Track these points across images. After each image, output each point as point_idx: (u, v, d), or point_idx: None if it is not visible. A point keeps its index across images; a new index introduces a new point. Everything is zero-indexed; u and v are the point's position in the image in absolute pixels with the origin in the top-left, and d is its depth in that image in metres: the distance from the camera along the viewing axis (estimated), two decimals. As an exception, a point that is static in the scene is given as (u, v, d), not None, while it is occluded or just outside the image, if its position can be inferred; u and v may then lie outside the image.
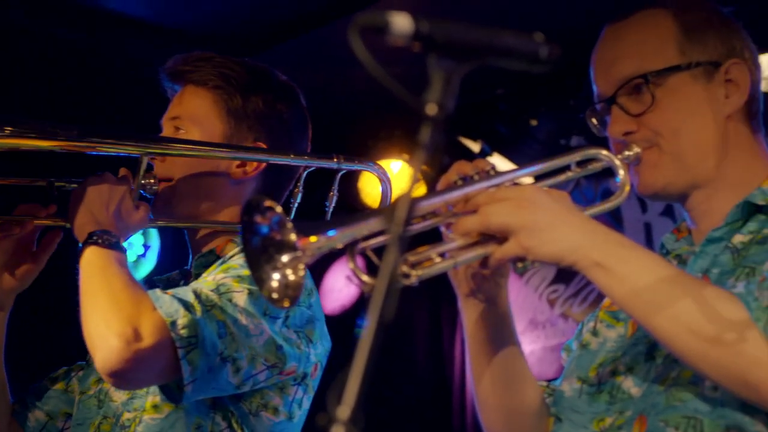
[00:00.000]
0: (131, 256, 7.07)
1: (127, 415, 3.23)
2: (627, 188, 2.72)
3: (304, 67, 6.65)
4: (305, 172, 3.48)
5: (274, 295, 2.36)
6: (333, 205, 3.47)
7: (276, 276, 2.35)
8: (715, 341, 2.30)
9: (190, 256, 3.49)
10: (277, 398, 3.20)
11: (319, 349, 3.27)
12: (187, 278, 3.45)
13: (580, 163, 2.73)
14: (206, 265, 3.36)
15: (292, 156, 3.40)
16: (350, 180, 6.91)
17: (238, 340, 3.01)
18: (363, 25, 1.73)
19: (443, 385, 7.53)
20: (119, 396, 3.30)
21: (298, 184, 3.47)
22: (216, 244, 3.42)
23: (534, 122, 6.95)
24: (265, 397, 3.18)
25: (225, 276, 3.13)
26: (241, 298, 3.07)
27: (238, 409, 3.17)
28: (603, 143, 2.82)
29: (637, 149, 2.72)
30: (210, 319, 2.98)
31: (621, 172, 2.71)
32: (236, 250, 3.33)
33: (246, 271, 3.11)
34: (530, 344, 7.03)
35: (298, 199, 3.43)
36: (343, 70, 5.79)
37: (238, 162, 3.39)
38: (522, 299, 7.15)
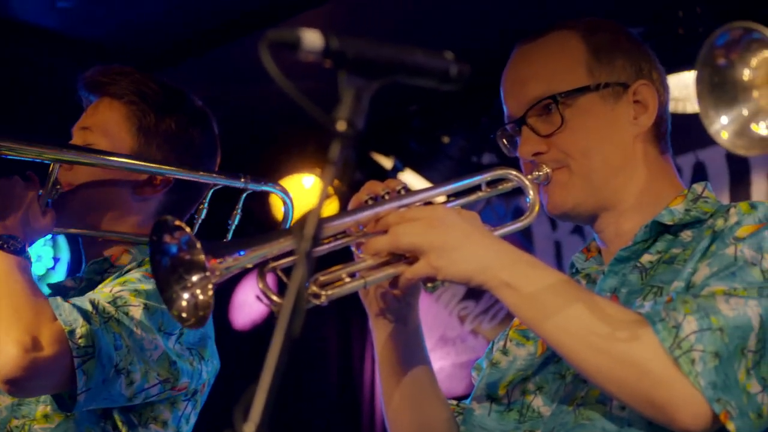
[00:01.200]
0: (40, 269, 7.00)
1: (15, 422, 3.20)
2: (537, 208, 2.74)
3: (218, 81, 6.64)
4: (211, 191, 3.48)
5: (184, 315, 2.35)
6: (236, 223, 3.49)
7: (185, 296, 2.35)
8: (622, 362, 2.33)
9: (84, 263, 3.48)
10: (167, 412, 3.21)
11: (210, 367, 3.29)
12: (79, 285, 3.42)
13: (491, 183, 2.75)
14: (99, 272, 3.37)
15: (200, 173, 3.40)
16: (261, 196, 6.89)
17: (133, 353, 3.03)
18: (274, 41, 1.73)
19: (353, 403, 7.53)
20: (3, 400, 3.26)
21: (204, 201, 3.48)
22: (111, 252, 3.41)
23: (446, 139, 6.97)
24: (156, 411, 3.19)
25: (122, 289, 3.13)
26: (137, 312, 3.08)
27: (128, 421, 3.17)
28: (515, 161, 2.83)
29: (546, 169, 2.73)
30: (107, 330, 3.00)
31: (531, 193, 2.73)
32: (134, 264, 3.33)
33: (143, 286, 3.14)
34: (440, 361, 7.05)
35: (203, 216, 3.43)
36: (257, 85, 5.78)
37: (145, 176, 3.38)
38: (432, 316, 7.17)
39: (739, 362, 2.32)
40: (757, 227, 2.50)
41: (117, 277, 3.27)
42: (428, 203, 2.57)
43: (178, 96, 3.52)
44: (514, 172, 2.74)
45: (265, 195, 7.04)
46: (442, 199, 2.70)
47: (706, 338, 2.30)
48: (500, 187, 2.75)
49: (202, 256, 2.29)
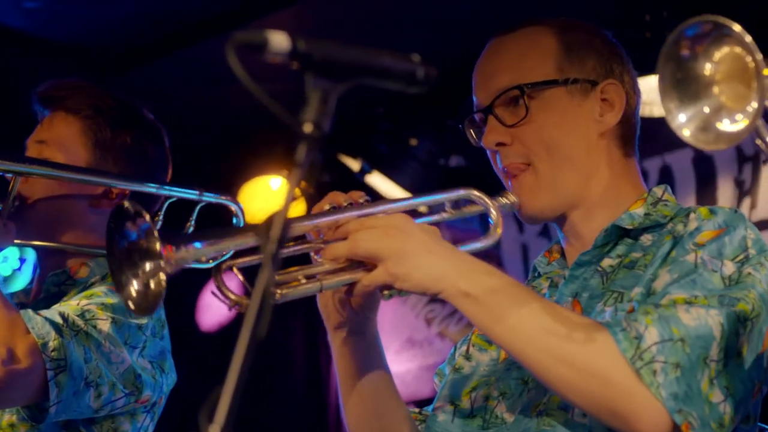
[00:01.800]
0: (6, 270, 6.96)
1: None
2: (499, 231, 2.72)
3: (185, 82, 6.63)
4: (166, 203, 3.51)
5: (131, 303, 2.34)
6: None
7: (137, 283, 2.34)
8: (583, 372, 2.34)
9: (36, 274, 3.50)
10: (127, 423, 3.25)
11: (169, 380, 3.34)
12: (34, 297, 3.45)
13: (456, 205, 2.75)
14: (57, 284, 3.39)
15: (157, 185, 3.44)
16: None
17: (102, 366, 3.07)
18: (241, 43, 1.73)
19: (319, 407, 7.52)
20: None
21: (159, 213, 3.50)
22: (69, 265, 3.43)
23: (414, 142, 6.98)
24: (116, 422, 3.22)
25: (89, 303, 3.17)
26: (105, 325, 3.12)
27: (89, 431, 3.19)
28: (481, 155, 2.84)
29: (513, 198, 2.74)
30: (78, 343, 3.03)
31: (494, 213, 2.72)
32: (97, 277, 3.37)
33: (110, 300, 3.19)
34: (407, 363, 7.05)
35: (158, 227, 3.43)
36: (224, 87, 5.76)
37: (101, 190, 3.41)
38: (399, 318, 7.17)
39: (701, 372, 2.33)
40: (717, 233, 2.51)
41: (82, 290, 3.31)
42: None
43: (133, 110, 3.56)
44: (477, 193, 2.73)
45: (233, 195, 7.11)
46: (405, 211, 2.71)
47: (667, 349, 2.32)
48: (465, 210, 2.75)
49: (158, 245, 2.29)
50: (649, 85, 5.66)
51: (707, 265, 2.45)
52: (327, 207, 2.56)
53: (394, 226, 2.45)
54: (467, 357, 2.84)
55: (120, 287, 2.35)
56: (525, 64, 2.78)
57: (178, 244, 2.30)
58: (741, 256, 2.48)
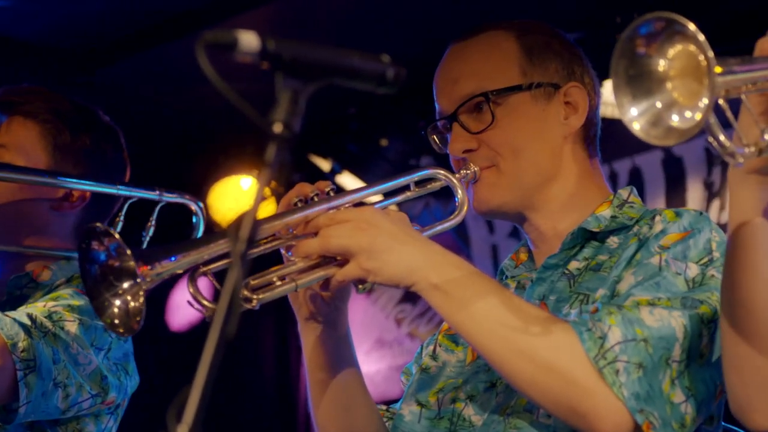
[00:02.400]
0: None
1: None
2: (465, 207, 2.75)
3: (155, 81, 6.61)
4: (127, 204, 3.51)
5: (116, 322, 2.34)
6: (150, 235, 3.51)
7: (117, 303, 2.34)
8: (547, 370, 2.35)
9: None
10: (92, 425, 3.25)
11: (133, 382, 3.34)
12: None
13: (420, 183, 2.76)
14: (19, 287, 3.39)
15: (118, 187, 3.43)
16: (199, 197, 6.86)
17: (70, 367, 3.07)
18: (210, 42, 1.73)
19: (288, 406, 7.51)
20: None
21: (120, 214, 3.50)
22: (31, 268, 3.43)
23: (384, 142, 6.99)
24: (81, 423, 3.22)
25: (56, 304, 3.18)
26: (73, 326, 3.13)
27: None
28: (449, 162, 2.84)
29: (475, 168, 2.74)
30: (46, 344, 3.03)
31: (459, 192, 2.74)
32: (62, 280, 3.37)
33: (76, 302, 3.20)
34: (377, 363, 7.05)
35: (119, 229, 3.45)
36: (194, 86, 5.75)
37: (62, 192, 3.40)
38: (369, 318, 7.17)
39: (663, 372, 2.35)
40: (682, 236, 2.53)
41: (47, 292, 3.31)
42: (358, 204, 2.58)
43: (90, 113, 3.55)
44: (443, 171, 2.75)
45: (201, 195, 7.09)
46: (372, 199, 2.71)
47: (630, 349, 2.33)
48: (429, 186, 2.76)
49: (132, 263, 2.29)
50: (618, 86, 5.70)
51: (671, 268, 2.46)
52: (295, 199, 2.56)
53: (364, 220, 2.46)
54: (434, 357, 2.84)
55: (101, 311, 2.35)
56: (488, 69, 2.78)
57: (153, 261, 2.31)
58: (705, 259, 2.49)
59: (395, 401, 2.96)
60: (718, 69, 1.85)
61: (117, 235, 2.31)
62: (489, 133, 2.74)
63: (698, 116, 1.87)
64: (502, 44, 2.81)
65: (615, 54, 1.94)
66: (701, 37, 1.85)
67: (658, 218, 2.60)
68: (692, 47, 1.88)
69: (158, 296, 7.48)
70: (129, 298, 2.33)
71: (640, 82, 1.94)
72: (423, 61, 3.34)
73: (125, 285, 2.33)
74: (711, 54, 1.84)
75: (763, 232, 2.19)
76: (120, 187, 3.43)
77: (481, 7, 5.37)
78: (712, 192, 6.10)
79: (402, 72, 1.92)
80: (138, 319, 2.32)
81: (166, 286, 7.33)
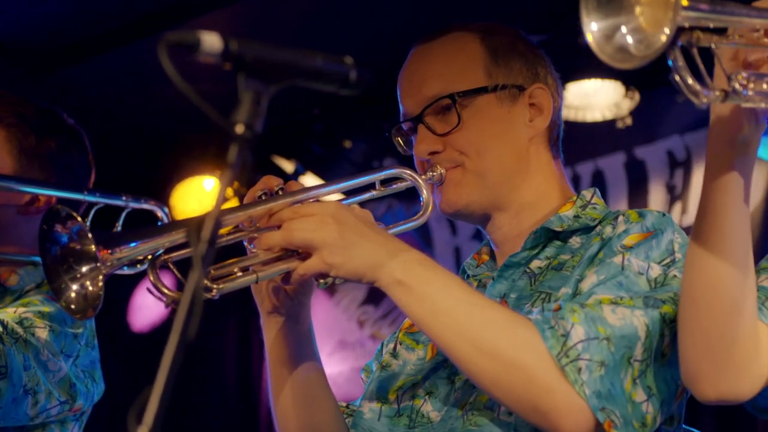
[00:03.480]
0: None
1: None
2: (430, 208, 2.75)
3: (118, 82, 6.58)
4: (93, 210, 3.47)
5: (73, 306, 2.33)
6: None
7: (75, 287, 2.33)
8: (509, 367, 2.36)
9: None
10: (57, 431, 3.24)
11: (99, 389, 3.33)
12: None
13: (385, 182, 2.76)
14: None
15: (84, 192, 3.40)
16: (162, 198, 6.85)
17: (40, 373, 3.07)
18: (173, 43, 1.73)
19: (250, 409, 7.50)
20: None
21: (86, 219, 3.47)
22: None
23: (348, 144, 7.00)
24: (47, 430, 3.22)
25: (27, 310, 3.17)
26: (43, 333, 3.12)
27: None
28: (412, 164, 2.85)
29: (441, 170, 2.75)
30: (17, 350, 3.02)
31: (424, 192, 2.75)
32: (32, 285, 3.35)
33: (46, 308, 3.19)
34: (339, 365, 7.05)
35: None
36: (156, 87, 5.74)
37: (28, 197, 3.37)
38: (332, 320, 7.17)
39: (625, 371, 2.36)
40: (645, 236, 2.54)
41: (17, 298, 3.30)
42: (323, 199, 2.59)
43: (55, 117, 3.52)
44: (409, 171, 2.75)
45: (165, 196, 7.08)
46: (336, 196, 2.71)
47: (593, 347, 2.34)
48: (394, 186, 2.77)
49: (93, 247, 2.28)
50: (582, 90, 5.71)
51: (634, 267, 2.47)
52: (259, 193, 2.56)
53: (328, 214, 2.46)
54: (394, 355, 2.84)
55: (58, 293, 2.34)
56: (453, 71, 2.78)
57: (113, 245, 2.30)
58: (668, 260, 2.51)
59: (348, 402, 2.95)
60: (684, 2, 1.87)
61: (80, 219, 2.30)
62: (455, 135, 2.75)
63: (658, 43, 1.90)
64: (467, 46, 2.81)
65: None
66: None
67: (621, 218, 2.61)
68: None
69: (121, 297, 7.46)
70: (88, 282, 2.32)
71: (609, 2, 1.96)
72: (387, 62, 3.34)
73: (84, 269, 2.32)
74: None
75: (732, 195, 2.20)
76: (86, 193, 3.40)
77: (445, 10, 5.39)
78: (674, 195, 6.14)
79: (365, 73, 1.92)
80: (96, 303, 2.31)
81: (129, 286, 7.31)
